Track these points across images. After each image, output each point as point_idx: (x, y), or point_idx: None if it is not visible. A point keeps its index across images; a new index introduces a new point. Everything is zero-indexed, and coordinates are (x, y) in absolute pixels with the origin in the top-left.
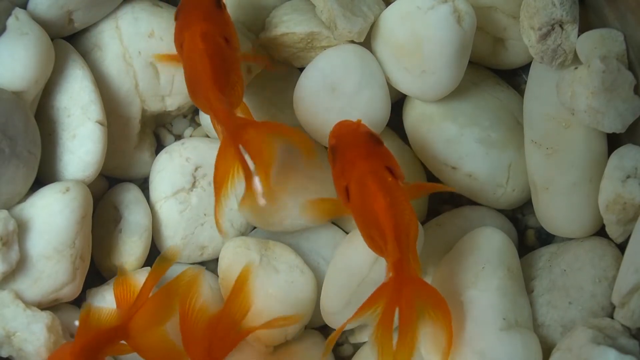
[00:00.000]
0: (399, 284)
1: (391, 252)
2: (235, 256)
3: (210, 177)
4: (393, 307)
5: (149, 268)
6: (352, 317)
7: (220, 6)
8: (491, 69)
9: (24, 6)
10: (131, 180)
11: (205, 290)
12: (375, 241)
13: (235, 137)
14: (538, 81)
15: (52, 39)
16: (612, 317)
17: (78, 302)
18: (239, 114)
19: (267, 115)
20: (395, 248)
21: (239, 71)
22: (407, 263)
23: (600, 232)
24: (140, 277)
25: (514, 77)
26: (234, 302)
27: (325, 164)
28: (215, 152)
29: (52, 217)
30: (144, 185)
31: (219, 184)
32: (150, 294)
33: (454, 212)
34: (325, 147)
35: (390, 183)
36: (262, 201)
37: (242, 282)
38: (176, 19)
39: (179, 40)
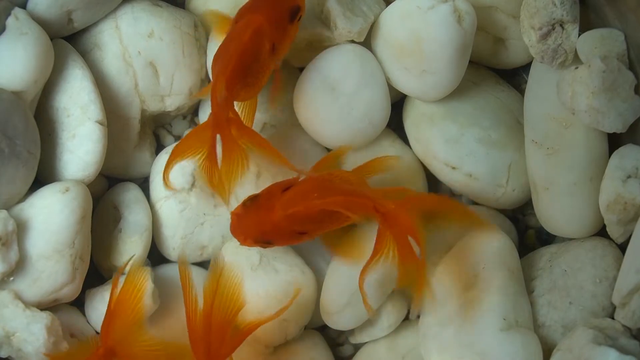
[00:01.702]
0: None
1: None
2: (235, 256)
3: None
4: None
5: (149, 268)
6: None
7: (292, 20)
8: (491, 69)
9: (23, 6)
10: (131, 180)
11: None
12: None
13: (218, 125)
14: (538, 81)
15: (51, 39)
16: (612, 318)
17: (78, 302)
18: (241, 109)
19: (266, 114)
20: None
21: (261, 79)
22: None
23: (601, 232)
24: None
25: (514, 77)
26: (220, 298)
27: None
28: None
29: (51, 217)
30: (143, 185)
31: (180, 152)
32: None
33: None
34: (325, 148)
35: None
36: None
37: (216, 276)
38: None
39: (238, 16)
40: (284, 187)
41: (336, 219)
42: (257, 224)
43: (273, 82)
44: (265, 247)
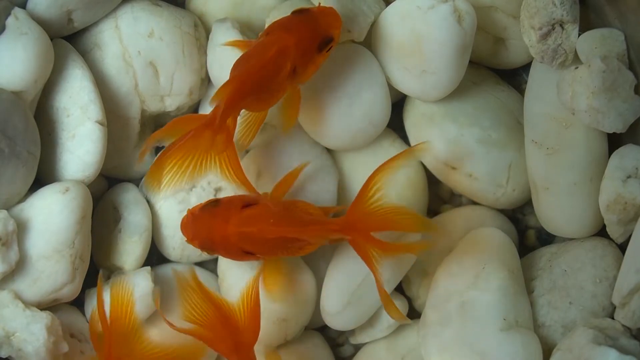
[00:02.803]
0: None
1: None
2: None
3: (210, 178)
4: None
5: (148, 268)
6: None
7: (321, 49)
8: (491, 69)
9: (23, 6)
10: (131, 180)
11: None
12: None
13: (209, 124)
14: (538, 81)
15: (51, 39)
16: (612, 318)
17: (78, 302)
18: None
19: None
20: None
21: (275, 96)
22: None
23: (601, 232)
24: (137, 280)
25: (514, 77)
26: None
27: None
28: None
29: (51, 217)
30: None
31: (172, 129)
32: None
33: (454, 212)
34: (325, 148)
35: None
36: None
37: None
38: (293, 12)
39: (269, 29)
40: (245, 203)
41: (288, 248)
42: (208, 230)
43: (291, 105)
44: (208, 254)
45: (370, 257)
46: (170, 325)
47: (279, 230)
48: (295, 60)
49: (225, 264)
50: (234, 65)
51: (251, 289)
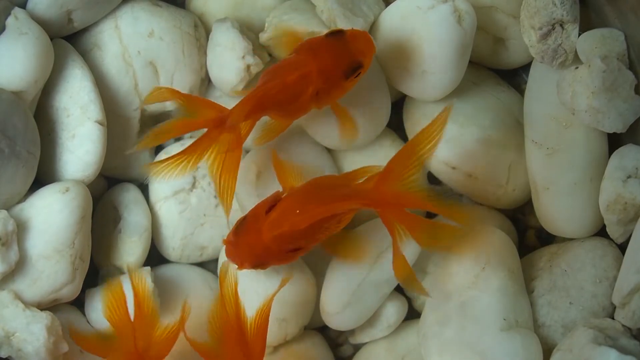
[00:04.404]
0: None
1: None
2: None
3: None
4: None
5: (148, 268)
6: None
7: (347, 76)
8: (491, 69)
9: (23, 5)
10: (131, 181)
11: (206, 291)
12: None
13: (221, 126)
14: (538, 81)
15: (51, 39)
16: (612, 318)
17: (78, 302)
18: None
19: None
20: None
21: (297, 115)
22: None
23: (601, 232)
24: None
25: (514, 77)
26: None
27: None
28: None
29: (51, 217)
30: (143, 185)
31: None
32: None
33: None
34: (325, 148)
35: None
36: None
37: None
38: (331, 33)
39: (300, 47)
40: (268, 207)
41: (326, 228)
42: (249, 248)
43: (342, 119)
44: (263, 269)
45: (396, 232)
46: (189, 340)
47: (308, 217)
48: (318, 85)
49: (225, 265)
50: (264, 73)
51: (264, 307)
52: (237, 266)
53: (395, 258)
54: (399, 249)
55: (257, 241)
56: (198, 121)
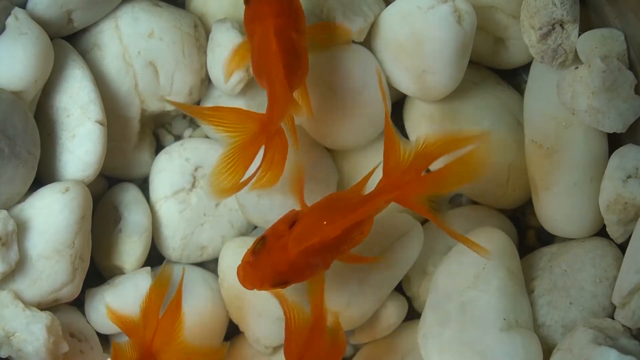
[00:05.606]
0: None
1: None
2: (235, 256)
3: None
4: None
5: (148, 268)
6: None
7: None
8: (492, 69)
9: (23, 6)
10: (131, 180)
11: (206, 291)
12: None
13: (267, 133)
14: (538, 81)
15: (51, 39)
16: (612, 318)
17: (78, 302)
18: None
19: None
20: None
21: (305, 59)
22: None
23: (601, 232)
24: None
25: (514, 77)
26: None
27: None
28: (215, 153)
29: (51, 217)
30: (143, 185)
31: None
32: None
33: (454, 212)
34: (325, 148)
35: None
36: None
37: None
38: (246, 3)
39: (250, 31)
40: (290, 223)
41: (351, 239)
42: (272, 266)
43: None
44: (282, 288)
45: (429, 210)
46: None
47: (338, 225)
48: (289, 23)
49: (225, 265)
50: (257, 72)
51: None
52: (254, 289)
53: (447, 232)
54: (443, 222)
55: (282, 258)
56: (252, 139)
